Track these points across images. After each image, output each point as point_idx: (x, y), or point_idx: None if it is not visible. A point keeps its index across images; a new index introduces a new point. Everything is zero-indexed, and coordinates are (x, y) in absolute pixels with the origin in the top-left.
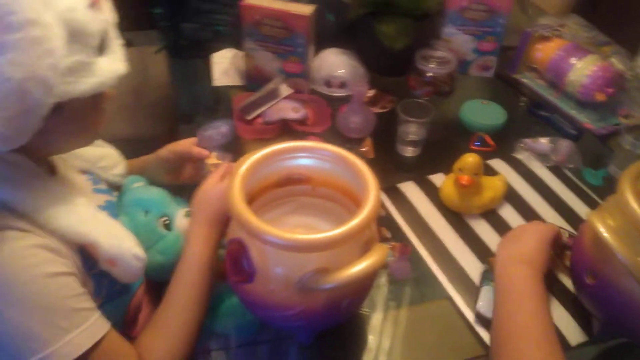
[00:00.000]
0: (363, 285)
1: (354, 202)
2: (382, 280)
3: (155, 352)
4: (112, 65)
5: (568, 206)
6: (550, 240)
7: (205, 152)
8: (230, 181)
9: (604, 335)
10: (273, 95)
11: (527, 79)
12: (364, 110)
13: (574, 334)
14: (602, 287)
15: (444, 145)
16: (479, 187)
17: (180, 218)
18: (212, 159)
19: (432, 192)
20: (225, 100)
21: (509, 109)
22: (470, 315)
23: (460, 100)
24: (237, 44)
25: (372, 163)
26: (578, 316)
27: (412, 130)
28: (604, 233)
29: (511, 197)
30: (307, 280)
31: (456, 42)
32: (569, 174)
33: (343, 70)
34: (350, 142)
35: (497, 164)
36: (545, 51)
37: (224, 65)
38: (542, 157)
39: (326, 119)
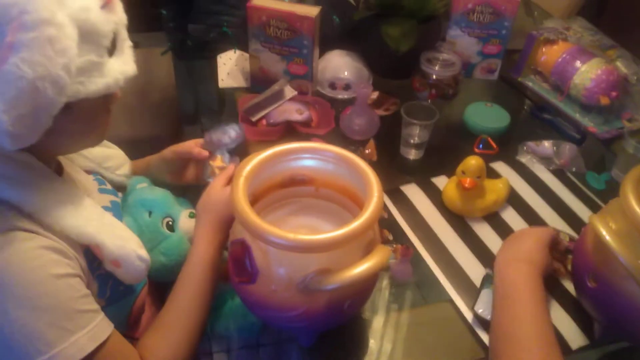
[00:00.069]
0: (365, 287)
1: (357, 204)
2: (384, 283)
3: (157, 354)
4: (122, 66)
5: (571, 210)
6: (547, 241)
7: (205, 153)
8: (233, 182)
9: (605, 339)
10: (278, 96)
11: (532, 82)
12: (368, 113)
13: (575, 337)
14: (603, 290)
15: (447, 147)
16: (481, 190)
17: (184, 219)
18: (218, 161)
19: (434, 195)
20: (230, 102)
21: (512, 112)
22: (471, 318)
23: (464, 102)
24: (242, 46)
25: (375, 165)
26: (579, 319)
27: (416, 133)
28: (606, 236)
29: (514, 200)
30: (310, 281)
31: (461, 44)
32: (572, 178)
33: (347, 72)
34: (353, 144)
35: (500, 167)
36: (550, 54)
37: (229, 67)
38: (545, 160)
39: (330, 120)
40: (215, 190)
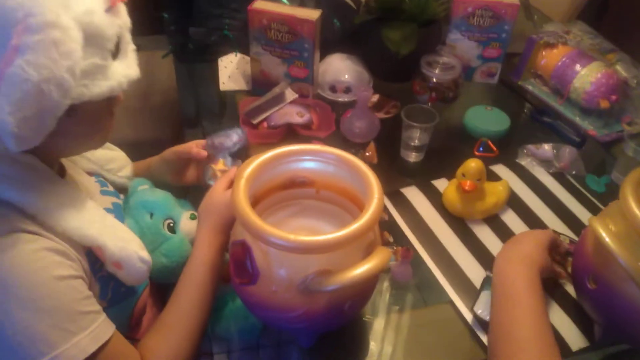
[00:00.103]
0: (365, 288)
1: (358, 206)
2: (385, 285)
3: (158, 354)
4: (126, 69)
5: (570, 212)
6: (546, 243)
7: (203, 153)
8: (234, 183)
9: (605, 341)
10: (278, 99)
11: (532, 86)
12: (369, 115)
13: (575, 339)
14: (603, 292)
15: (448, 150)
16: (481, 192)
17: (185, 221)
18: (220, 165)
19: (435, 197)
20: (231, 105)
21: (512, 115)
22: (471, 319)
23: (464, 106)
24: (243, 49)
25: (375, 168)
26: (579, 321)
27: (416, 136)
28: (606, 238)
29: (514, 202)
30: (310, 282)
31: (461, 48)
32: (572, 181)
33: (348, 76)
34: (354, 147)
35: (500, 169)
36: (550, 58)
37: (230, 70)
38: (545, 163)
39: (330, 123)
40: (217, 192)
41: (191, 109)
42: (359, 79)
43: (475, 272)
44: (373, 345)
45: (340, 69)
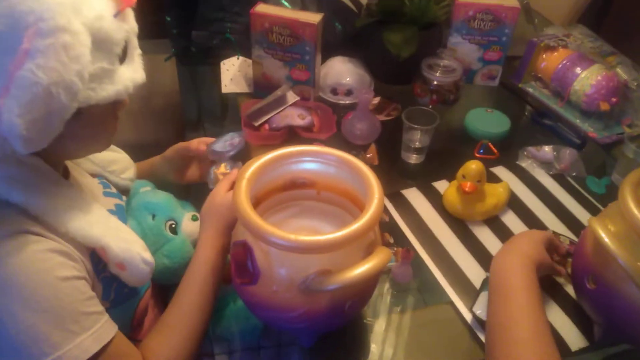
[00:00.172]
0: (366, 287)
1: (358, 207)
2: (385, 287)
3: (160, 355)
4: (132, 73)
5: (571, 213)
6: (542, 240)
7: (202, 147)
8: (236, 184)
9: (605, 341)
10: (280, 102)
11: (532, 88)
12: (370, 118)
13: (575, 339)
14: (602, 292)
15: (448, 152)
16: (481, 194)
17: (187, 222)
18: (221, 168)
19: (435, 199)
20: (233, 107)
21: (513, 117)
22: (471, 320)
23: (465, 108)
24: (245, 52)
25: (376, 170)
26: (579, 322)
27: (417, 138)
28: (605, 238)
29: (514, 204)
30: (311, 281)
31: (462, 51)
32: (572, 182)
33: (349, 78)
34: (355, 149)
35: (500, 171)
36: (551, 61)
37: (232, 73)
38: (545, 165)
39: (332, 125)
40: (219, 195)
41: (193, 112)
42: (360, 82)
43: (475, 273)
44: (373, 345)
45: (341, 71)
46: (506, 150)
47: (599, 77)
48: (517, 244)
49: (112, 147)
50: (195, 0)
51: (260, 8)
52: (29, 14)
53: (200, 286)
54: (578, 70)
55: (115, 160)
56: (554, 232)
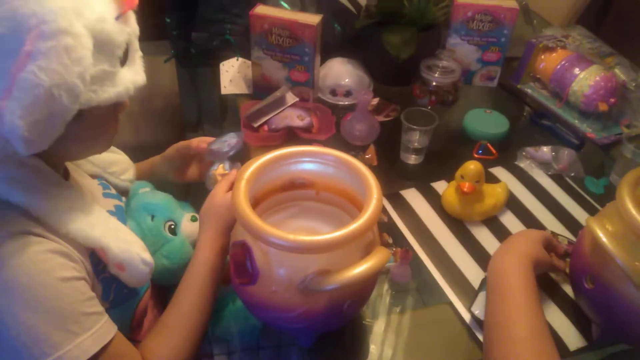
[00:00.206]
0: (364, 287)
1: (357, 207)
2: (385, 288)
3: (159, 355)
4: (133, 76)
5: (569, 214)
6: (539, 238)
7: (202, 145)
8: (235, 185)
9: (603, 341)
10: (279, 103)
11: (531, 89)
12: (369, 119)
13: (573, 339)
14: (600, 292)
15: (447, 153)
16: (480, 194)
17: (186, 223)
18: (220, 170)
19: (434, 199)
20: (232, 108)
21: (512, 118)
22: (470, 320)
23: (463, 109)
24: (245, 53)
25: (375, 170)
26: (577, 321)
27: (416, 138)
28: (603, 238)
29: (513, 204)
30: (309, 281)
31: (461, 52)
32: (571, 182)
33: (348, 79)
34: (354, 150)
35: (499, 172)
36: (549, 62)
37: (232, 74)
38: (544, 165)
39: (331, 126)
40: (218, 195)
41: (193, 113)
42: (359, 83)
43: (473, 273)
44: (372, 345)
45: (340, 73)
46: (505, 151)
47: (598, 78)
48: (515, 243)
49: (112, 148)
50: (195, 2)
51: (260, 9)
52: (32, 16)
53: (200, 287)
54: (576, 71)
55: (115, 162)
56: (552, 232)
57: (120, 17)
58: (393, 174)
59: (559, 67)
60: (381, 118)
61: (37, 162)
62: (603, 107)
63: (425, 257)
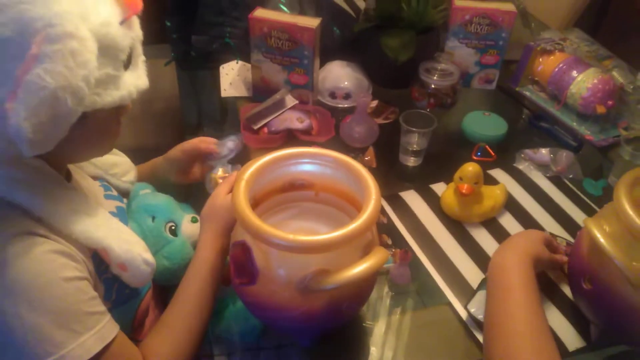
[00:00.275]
0: (363, 288)
1: (356, 208)
2: (385, 290)
3: (160, 355)
4: (136, 79)
5: (567, 215)
6: (538, 238)
7: (212, 147)
8: (235, 185)
9: (602, 341)
10: (279, 105)
11: (529, 92)
12: (368, 121)
13: (572, 339)
14: (599, 293)
15: (446, 155)
16: (479, 195)
17: (187, 223)
18: (220, 172)
19: (433, 201)
20: (232, 111)
21: (510, 120)
22: (469, 320)
23: (462, 111)
24: (244, 56)
25: (374, 172)
26: (576, 322)
27: (414, 141)
28: (600, 239)
29: (511, 206)
30: (309, 281)
31: (459, 55)
32: (569, 184)
33: (347, 82)
34: (353, 152)
35: (498, 173)
36: (547, 64)
37: (232, 77)
38: (542, 167)
39: (330, 129)
40: (219, 197)
41: (193, 116)
42: (358, 86)
43: (472, 274)
44: (374, 350)
45: (339, 75)
46: (503, 153)
47: (595, 81)
48: (515, 242)
49: (114, 150)
50: (195, 5)
51: (259, 13)
52: (38, 20)
53: (200, 287)
54: (574, 73)
55: (117, 164)
56: (551, 234)
57: (124, 21)
58: (392, 176)
59: (556, 69)
60: (380, 120)
61: (40, 164)
62: (601, 109)
63: (425, 258)
